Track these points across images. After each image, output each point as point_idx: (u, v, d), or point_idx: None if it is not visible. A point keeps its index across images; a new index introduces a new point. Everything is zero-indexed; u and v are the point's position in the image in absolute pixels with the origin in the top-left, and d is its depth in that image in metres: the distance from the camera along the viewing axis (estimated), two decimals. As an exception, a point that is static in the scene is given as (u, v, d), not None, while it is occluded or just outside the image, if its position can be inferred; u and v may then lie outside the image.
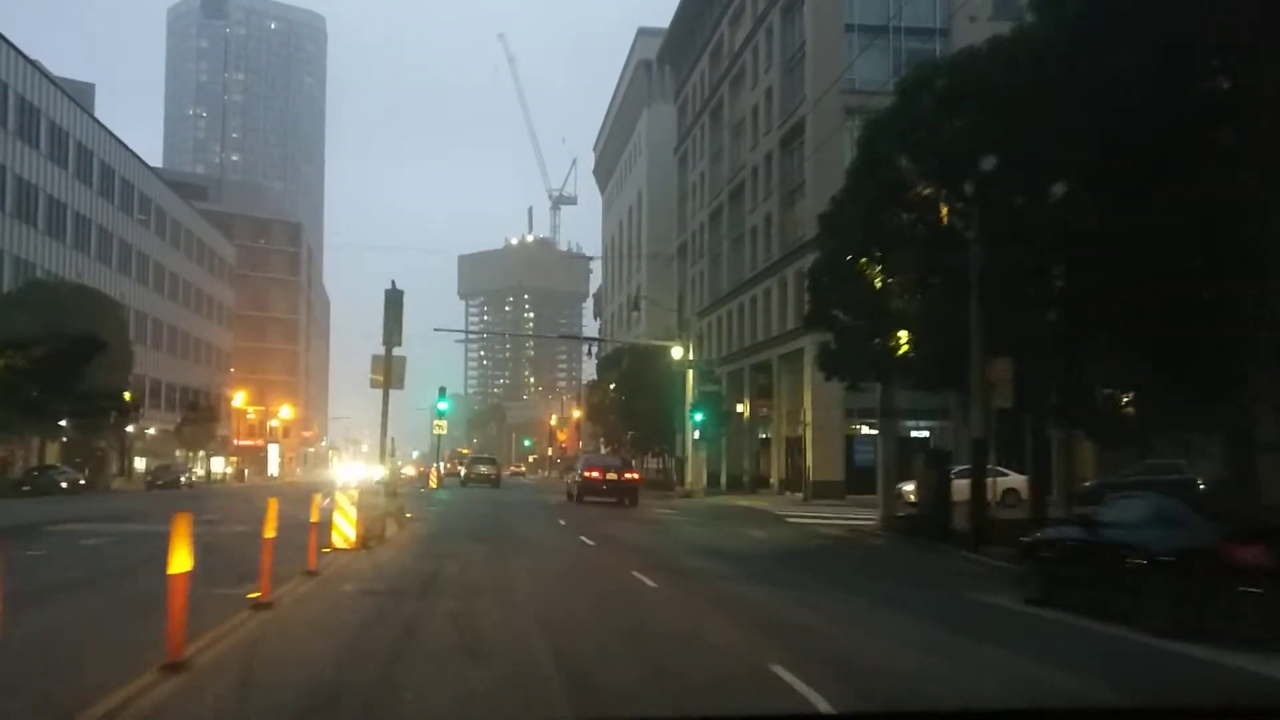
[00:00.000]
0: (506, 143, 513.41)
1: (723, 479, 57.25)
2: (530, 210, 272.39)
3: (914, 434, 49.30)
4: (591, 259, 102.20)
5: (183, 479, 70.16)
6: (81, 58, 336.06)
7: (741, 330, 60.73)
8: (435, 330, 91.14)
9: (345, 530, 17.41)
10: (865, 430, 50.96)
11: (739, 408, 58.02)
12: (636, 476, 41.65)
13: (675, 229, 79.45)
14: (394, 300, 22.85)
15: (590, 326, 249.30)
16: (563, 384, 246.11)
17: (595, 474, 39.21)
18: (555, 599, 12.78)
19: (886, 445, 29.00)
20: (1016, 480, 33.67)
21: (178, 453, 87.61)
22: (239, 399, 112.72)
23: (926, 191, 25.23)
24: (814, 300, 25.91)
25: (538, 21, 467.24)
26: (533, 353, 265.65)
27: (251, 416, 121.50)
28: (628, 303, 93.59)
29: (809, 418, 48.30)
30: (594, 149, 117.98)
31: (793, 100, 54.22)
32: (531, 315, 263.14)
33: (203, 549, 18.16)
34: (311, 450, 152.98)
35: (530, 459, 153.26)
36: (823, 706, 7.20)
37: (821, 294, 25.66)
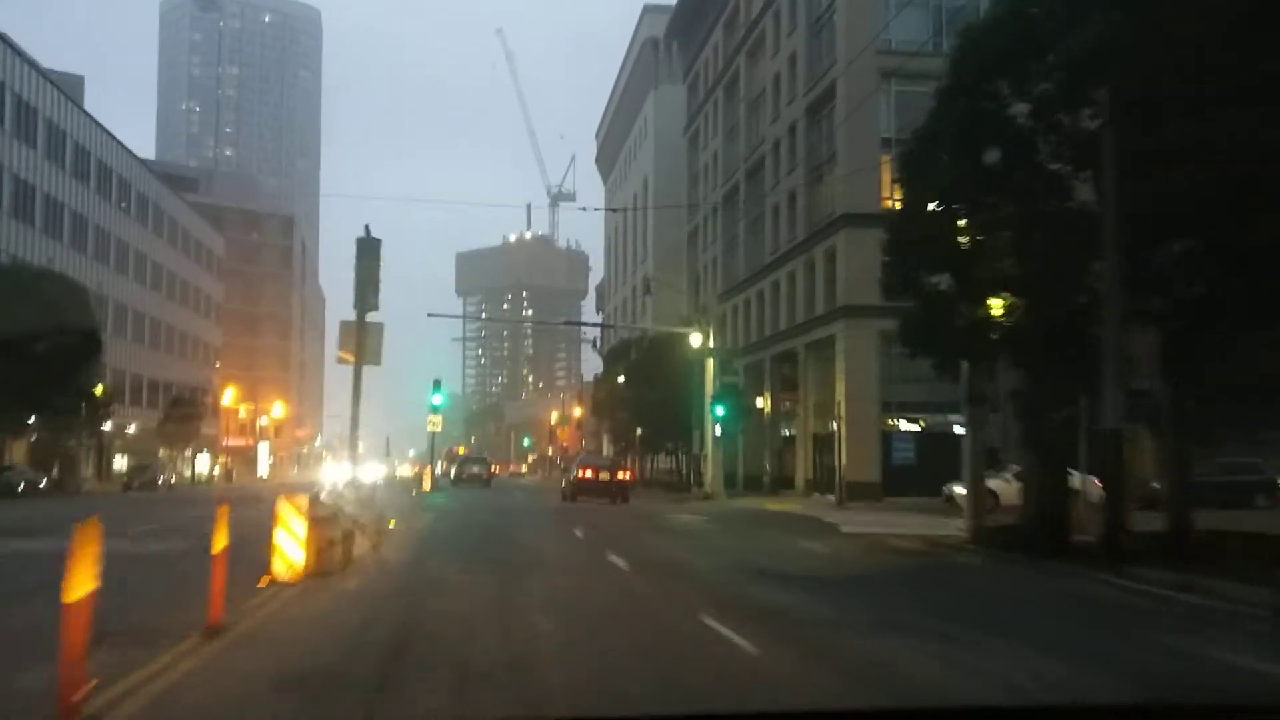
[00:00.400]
0: (505, 140, 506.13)
1: (739, 479, 52.03)
2: (529, 207, 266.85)
3: (956, 429, 44.62)
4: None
5: (160, 480, 65.03)
6: (74, 51, 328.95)
7: (761, 319, 55.61)
8: (429, 316, 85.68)
9: (290, 554, 12.23)
10: (904, 425, 45.93)
11: (759, 402, 52.88)
12: (628, 476, 41.88)
13: (685, 215, 74.30)
14: (368, 251, 17.62)
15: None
16: (561, 382, 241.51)
17: (589, 473, 41.06)
18: (613, 688, 7.56)
19: (975, 439, 23.86)
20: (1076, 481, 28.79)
21: (162, 452, 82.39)
22: (228, 396, 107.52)
23: (1029, 124, 20.16)
24: (895, 261, 20.69)
25: (536, 18, 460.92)
26: (531, 350, 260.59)
27: (243, 415, 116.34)
28: (633, 295, 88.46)
29: (842, 411, 43.17)
30: (596, 137, 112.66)
31: (820, 65, 49.10)
32: (530, 313, 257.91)
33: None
34: (305, 450, 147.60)
35: (530, 458, 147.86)
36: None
37: (903, 252, 20.48)
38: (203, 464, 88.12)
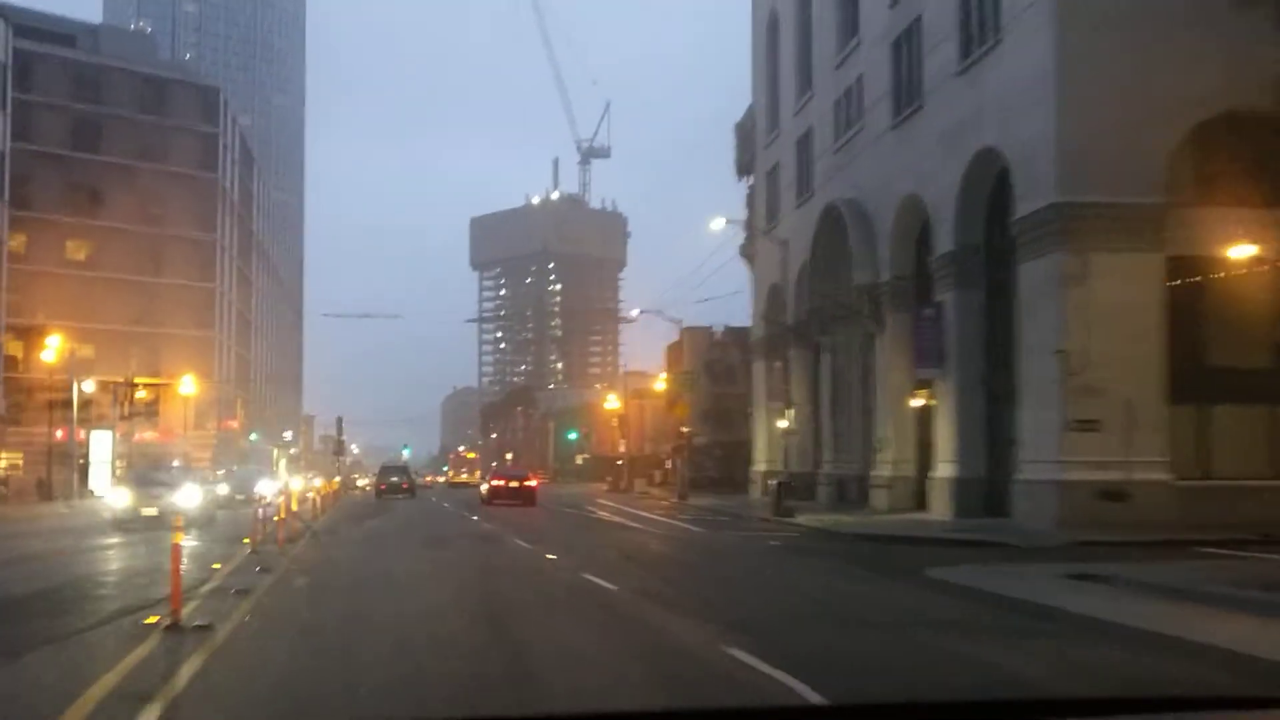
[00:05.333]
0: (529, 89, 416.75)
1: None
2: (556, 163, 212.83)
3: None
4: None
5: None
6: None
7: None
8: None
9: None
10: None
11: None
12: (535, 483, 44.15)
13: None
14: None
15: (639, 287, 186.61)
16: (595, 370, 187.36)
17: (500, 482, 42.73)
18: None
19: None
20: None
21: None
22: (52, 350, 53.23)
23: None
24: None
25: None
26: (559, 333, 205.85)
27: (142, 390, 62.41)
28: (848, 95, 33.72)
29: None
30: None
31: None
32: (558, 286, 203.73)
33: None
34: (242, 446, 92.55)
35: (579, 459, 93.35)
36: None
37: None
38: None
